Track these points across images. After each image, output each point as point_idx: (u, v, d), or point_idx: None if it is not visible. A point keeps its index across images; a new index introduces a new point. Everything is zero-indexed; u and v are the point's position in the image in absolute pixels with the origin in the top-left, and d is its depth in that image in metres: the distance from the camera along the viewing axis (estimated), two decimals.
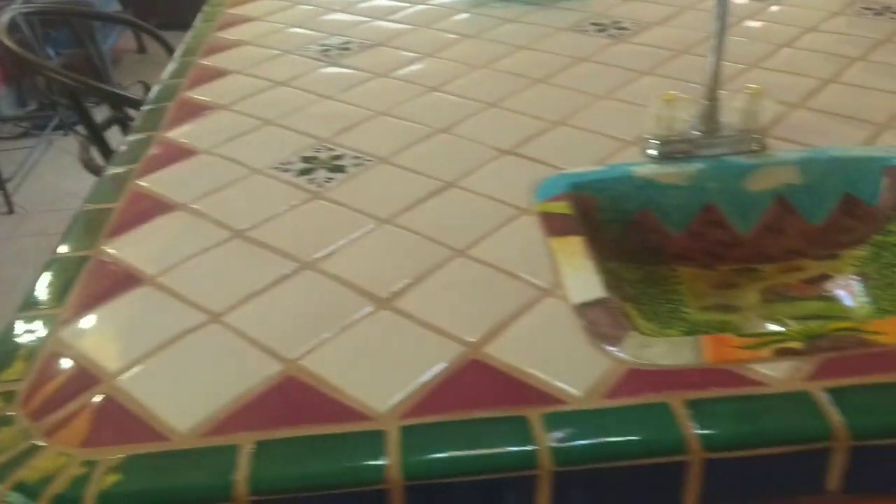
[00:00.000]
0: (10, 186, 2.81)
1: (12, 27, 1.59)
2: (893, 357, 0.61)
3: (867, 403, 0.57)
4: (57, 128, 3.15)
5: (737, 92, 0.89)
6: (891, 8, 1.31)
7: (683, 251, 0.88)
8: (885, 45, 1.16)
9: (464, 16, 1.38)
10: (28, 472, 0.55)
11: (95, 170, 1.39)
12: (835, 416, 0.56)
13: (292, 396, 0.60)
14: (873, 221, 0.87)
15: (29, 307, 0.72)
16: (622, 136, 0.95)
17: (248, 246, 0.78)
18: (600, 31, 1.28)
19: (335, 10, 1.45)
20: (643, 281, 0.87)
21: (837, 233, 0.88)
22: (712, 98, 0.88)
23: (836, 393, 0.57)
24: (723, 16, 0.84)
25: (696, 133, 0.89)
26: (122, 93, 1.61)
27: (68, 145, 3.06)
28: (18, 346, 0.67)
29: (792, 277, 0.87)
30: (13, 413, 0.60)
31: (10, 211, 2.77)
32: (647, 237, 0.88)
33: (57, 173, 2.98)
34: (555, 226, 0.79)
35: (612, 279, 0.84)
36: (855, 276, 0.85)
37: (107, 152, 1.48)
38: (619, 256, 0.87)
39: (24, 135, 3.19)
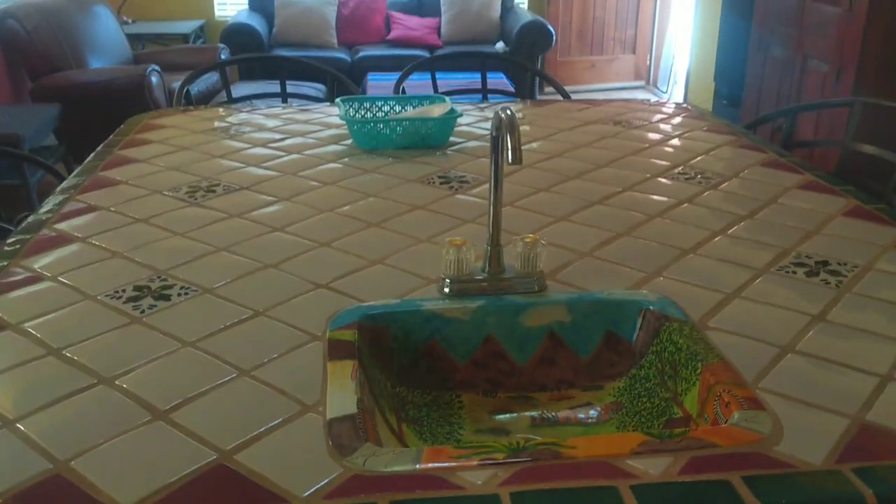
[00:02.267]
0: None
1: None
2: (576, 467, 0.71)
3: (537, 502, 0.66)
4: None
5: (517, 240, 1.03)
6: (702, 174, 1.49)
7: (467, 379, 0.99)
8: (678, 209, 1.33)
9: (330, 166, 1.53)
10: None
11: None
12: None
13: (59, 491, 0.68)
14: (631, 356, 0.99)
15: None
16: (429, 275, 1.07)
17: (59, 362, 0.87)
18: (444, 182, 1.43)
19: (216, 157, 1.59)
20: (428, 405, 0.97)
21: (602, 366, 1.00)
22: (495, 244, 1.02)
23: (518, 495, 0.67)
24: (497, 171, 0.99)
25: (483, 274, 1.02)
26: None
27: None
28: None
29: (561, 405, 0.98)
30: None
31: None
32: (434, 365, 0.99)
33: None
34: (337, 351, 0.89)
35: (397, 402, 0.94)
36: (612, 405, 0.96)
37: None
38: (408, 382, 0.97)
39: None
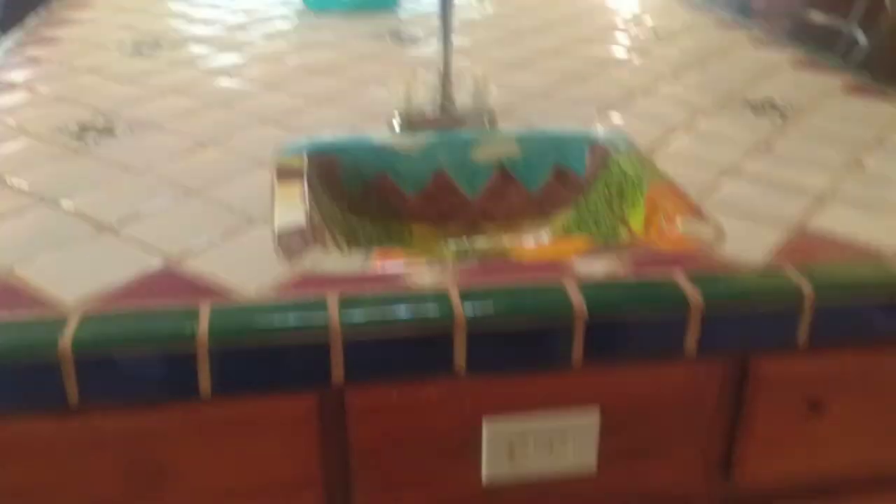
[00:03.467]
0: None
1: None
2: (523, 268, 0.72)
3: (487, 298, 0.67)
4: None
5: (467, 76, 1.02)
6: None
7: (418, 211, 1.00)
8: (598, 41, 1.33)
9: (277, 23, 1.49)
10: None
11: None
12: (458, 308, 0.66)
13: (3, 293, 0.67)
14: (579, 189, 1.00)
15: None
16: (380, 114, 1.06)
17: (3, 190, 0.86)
18: (396, 40, 1.41)
19: (161, 16, 1.54)
20: (379, 234, 0.97)
21: (550, 199, 1.01)
22: (446, 79, 1.00)
23: (467, 293, 0.68)
24: (446, 7, 0.97)
25: (433, 109, 1.01)
26: None
27: None
28: None
29: (510, 235, 0.99)
30: None
31: None
32: (385, 198, 0.99)
33: None
34: (285, 175, 0.89)
35: (347, 230, 0.94)
36: (561, 233, 0.98)
37: None
38: (358, 212, 0.97)
39: None
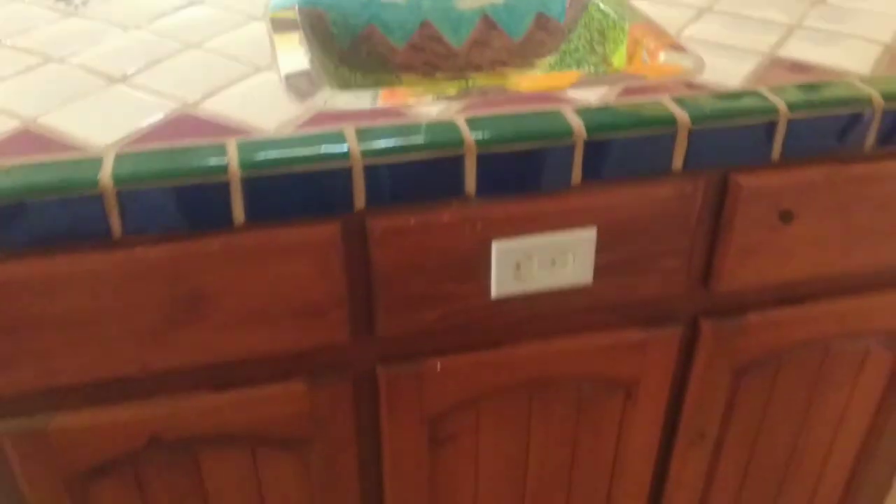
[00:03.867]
0: None
1: None
2: (523, 98, 0.77)
3: (492, 125, 0.73)
4: None
5: None
6: None
7: (406, 62, 1.03)
8: None
9: None
10: None
11: None
12: (467, 133, 0.72)
13: (32, 141, 0.70)
14: (560, 35, 1.04)
15: None
16: None
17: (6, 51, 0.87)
18: None
19: None
20: (371, 86, 1.01)
21: (533, 46, 1.05)
22: None
23: (472, 120, 0.73)
24: None
25: None
26: None
27: None
28: None
29: (495, 82, 1.04)
30: None
31: None
32: (374, 49, 1.02)
33: None
34: (280, 27, 0.91)
35: (340, 82, 0.98)
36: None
37: None
38: (350, 64, 1.01)
39: None
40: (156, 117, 0.74)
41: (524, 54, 1.05)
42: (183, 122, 0.73)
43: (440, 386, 0.84)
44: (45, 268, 0.68)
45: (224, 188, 0.68)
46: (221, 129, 0.72)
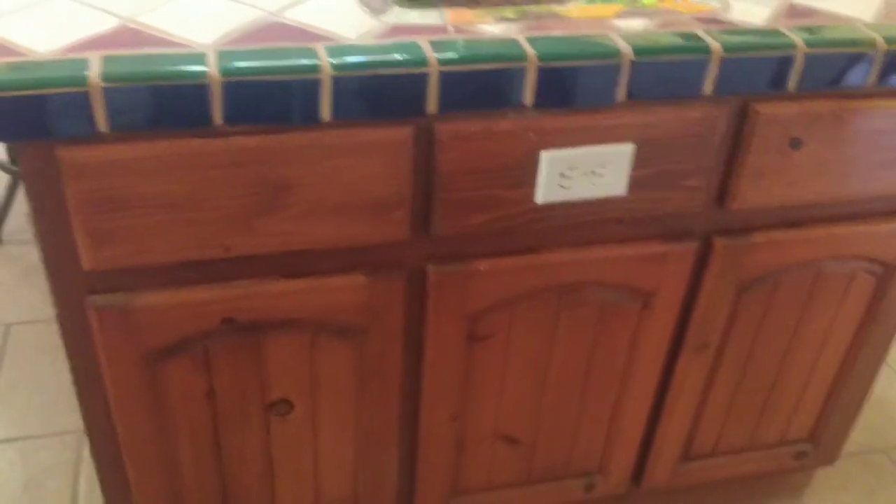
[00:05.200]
0: None
1: None
2: (574, 23, 0.86)
3: (549, 43, 0.81)
4: None
5: None
6: None
7: None
8: None
9: None
10: None
11: None
12: (529, 48, 0.80)
13: (134, 36, 0.77)
14: None
15: None
16: None
17: None
18: None
19: None
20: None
21: None
22: None
23: (533, 40, 0.82)
24: None
25: None
26: None
27: None
28: None
29: (546, 10, 1.12)
30: None
31: None
32: None
33: None
34: None
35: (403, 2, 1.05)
36: None
37: None
38: None
39: None
40: (246, 21, 0.81)
41: None
42: (272, 29, 0.80)
43: (482, 287, 0.94)
44: (148, 151, 0.76)
45: (314, 87, 0.75)
46: (309, 35, 0.80)
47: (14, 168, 1.93)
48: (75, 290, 0.82)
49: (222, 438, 0.98)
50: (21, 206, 2.04)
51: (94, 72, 0.70)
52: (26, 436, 1.51)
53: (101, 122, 0.72)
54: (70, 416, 1.54)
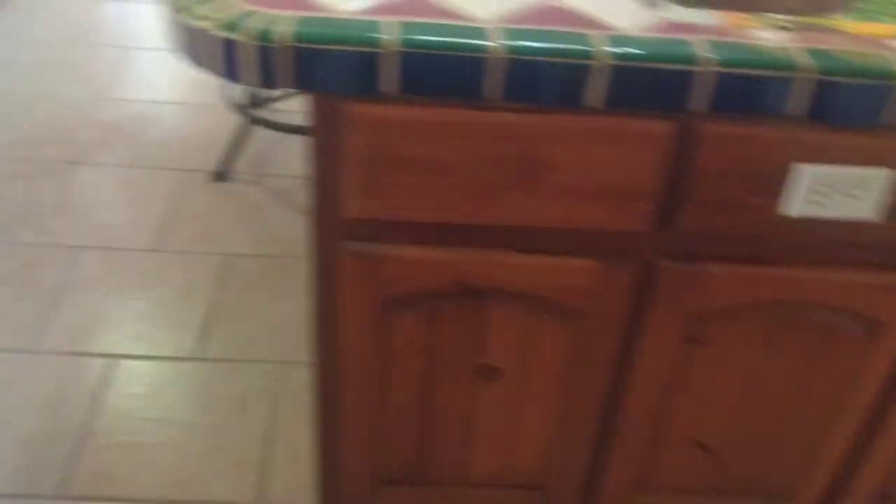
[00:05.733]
0: None
1: None
2: (845, 38, 0.84)
3: (823, 57, 0.80)
4: None
5: None
6: None
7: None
8: None
9: None
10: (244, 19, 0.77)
11: None
12: (803, 59, 0.79)
13: (419, 7, 0.82)
14: None
15: None
16: None
17: None
18: None
19: None
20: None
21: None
22: None
23: (812, 51, 0.80)
24: None
25: None
26: None
27: None
28: None
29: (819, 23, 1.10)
30: None
31: None
32: None
33: None
34: None
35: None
36: None
37: None
38: None
39: None
40: (526, 2, 0.84)
41: (820, 6, 1.10)
42: (550, 12, 0.83)
43: (711, 290, 0.93)
44: (424, 115, 0.81)
45: (588, 72, 0.78)
46: (585, 22, 0.82)
47: (252, 113, 2.08)
48: (335, 234, 0.89)
49: (430, 392, 1.04)
50: (250, 148, 2.20)
51: (388, 35, 0.76)
52: (236, 359, 1.64)
53: (388, 84, 0.78)
54: (275, 347, 1.67)
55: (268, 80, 0.78)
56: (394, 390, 1.03)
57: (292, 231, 1.97)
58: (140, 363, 1.62)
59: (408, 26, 0.77)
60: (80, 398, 1.54)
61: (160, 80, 2.51)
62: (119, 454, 1.45)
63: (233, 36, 0.76)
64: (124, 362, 1.62)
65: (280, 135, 2.23)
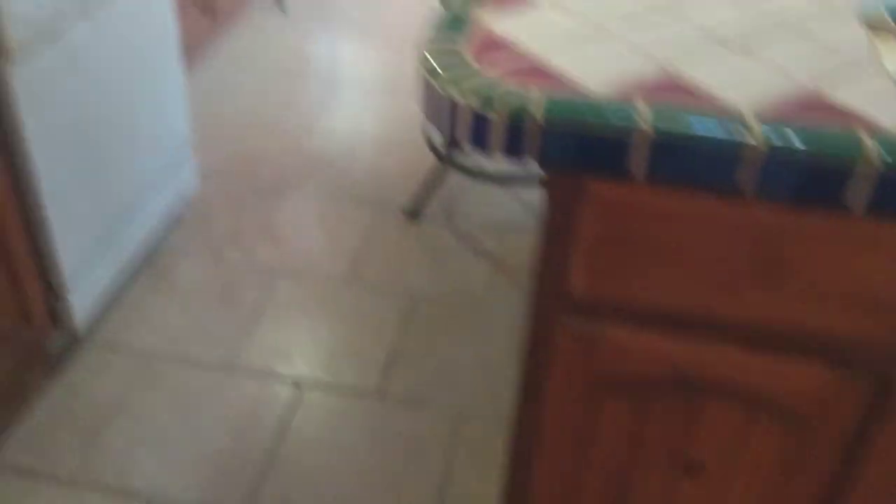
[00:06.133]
0: None
1: None
2: None
3: None
4: None
5: None
6: None
7: None
8: None
9: None
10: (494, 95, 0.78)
11: None
12: None
13: (671, 87, 0.80)
14: None
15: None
16: None
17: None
18: None
19: None
20: None
21: None
22: None
23: None
24: None
25: None
26: None
27: None
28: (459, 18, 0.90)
29: None
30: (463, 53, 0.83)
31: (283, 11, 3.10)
32: None
33: None
34: (875, 26, 0.94)
35: None
36: None
37: None
38: None
39: None
40: (782, 90, 0.80)
41: None
42: (809, 104, 0.79)
43: None
44: (662, 200, 0.78)
45: (851, 175, 0.73)
46: (846, 117, 0.77)
47: (449, 156, 2.13)
48: (555, 307, 0.88)
49: (628, 479, 1.00)
50: (444, 189, 2.25)
51: (642, 122, 0.74)
52: (416, 400, 1.67)
53: (636, 167, 0.76)
54: (454, 393, 1.68)
55: (514, 155, 0.78)
56: (590, 472, 1.00)
57: (477, 277, 1.99)
58: (325, 393, 1.68)
59: (661, 112, 0.76)
60: (268, 420, 1.61)
61: (363, 115, 2.61)
62: (299, 482, 1.50)
63: (486, 112, 0.77)
64: (310, 390, 1.68)
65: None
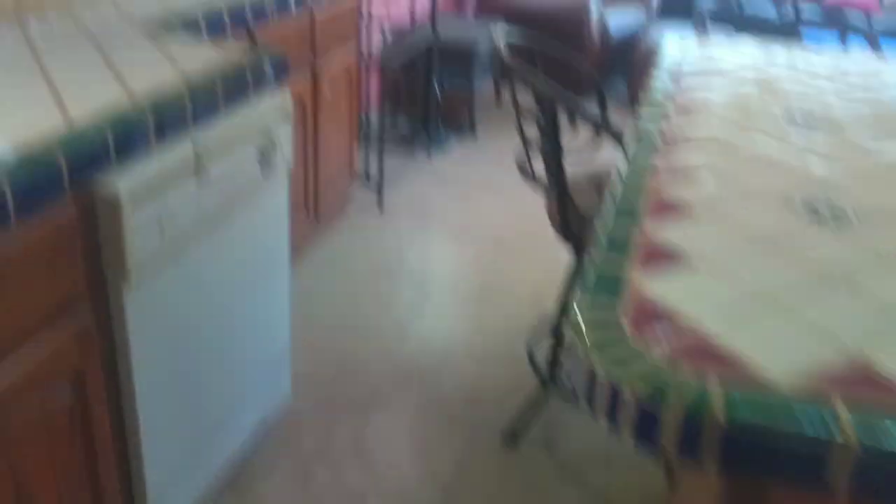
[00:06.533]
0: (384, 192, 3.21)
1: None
2: None
3: None
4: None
5: None
6: None
7: None
8: None
9: None
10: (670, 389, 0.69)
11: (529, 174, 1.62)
12: None
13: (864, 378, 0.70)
14: None
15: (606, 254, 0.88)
16: None
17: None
18: None
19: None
20: None
21: None
22: None
23: None
24: None
25: None
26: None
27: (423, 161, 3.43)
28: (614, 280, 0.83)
29: None
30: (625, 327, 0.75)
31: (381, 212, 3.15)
32: None
33: (415, 182, 3.35)
34: None
35: None
36: None
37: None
38: None
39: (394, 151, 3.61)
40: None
41: None
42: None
43: None
44: None
45: None
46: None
47: (551, 380, 2.02)
48: None
49: None
50: (545, 412, 2.13)
51: (842, 433, 0.64)
52: None
53: (835, 481, 0.65)
54: None
55: (689, 456, 0.68)
56: None
57: None
58: None
59: (864, 423, 0.65)
60: None
61: (457, 322, 2.55)
62: None
63: (656, 405, 0.67)
64: None
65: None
